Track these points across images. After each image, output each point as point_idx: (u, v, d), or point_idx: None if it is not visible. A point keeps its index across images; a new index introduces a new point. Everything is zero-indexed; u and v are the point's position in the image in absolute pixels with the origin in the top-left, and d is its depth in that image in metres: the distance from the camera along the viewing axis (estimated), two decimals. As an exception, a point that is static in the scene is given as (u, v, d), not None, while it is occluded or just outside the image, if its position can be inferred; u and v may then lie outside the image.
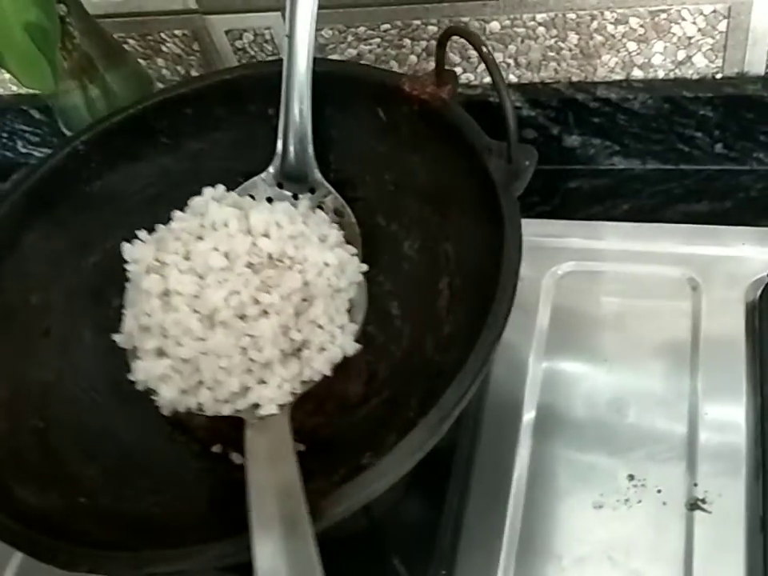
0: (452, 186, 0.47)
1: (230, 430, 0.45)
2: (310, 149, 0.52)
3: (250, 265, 0.46)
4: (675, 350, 0.51)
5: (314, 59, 0.50)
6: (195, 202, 0.50)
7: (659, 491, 0.45)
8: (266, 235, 0.47)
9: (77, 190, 0.52)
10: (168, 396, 0.44)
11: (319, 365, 0.45)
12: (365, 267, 0.49)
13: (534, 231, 0.55)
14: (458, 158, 0.46)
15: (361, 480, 0.34)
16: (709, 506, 0.44)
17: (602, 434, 0.48)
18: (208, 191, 0.50)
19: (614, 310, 0.54)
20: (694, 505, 0.44)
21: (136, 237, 0.49)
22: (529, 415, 0.50)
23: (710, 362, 0.50)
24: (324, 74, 0.50)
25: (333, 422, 0.48)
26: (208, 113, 0.53)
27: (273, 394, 0.43)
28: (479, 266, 0.44)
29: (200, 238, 0.47)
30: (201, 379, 0.44)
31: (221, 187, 0.51)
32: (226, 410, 0.44)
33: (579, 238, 0.58)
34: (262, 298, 0.45)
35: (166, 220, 0.53)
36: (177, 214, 0.50)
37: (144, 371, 0.45)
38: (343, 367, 0.46)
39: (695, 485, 0.45)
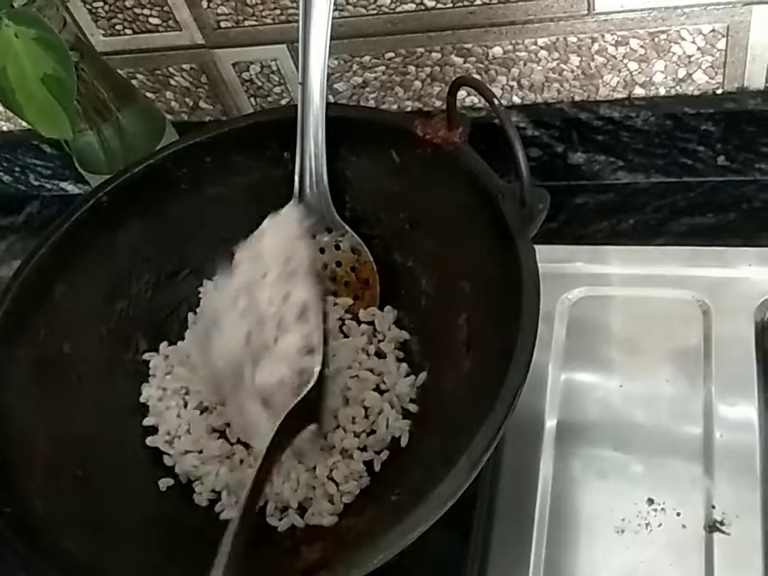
0: (466, 225, 0.49)
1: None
2: (326, 190, 0.53)
3: None
4: (688, 372, 0.52)
5: (328, 104, 0.51)
6: None
7: (678, 514, 0.47)
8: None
9: (102, 240, 0.54)
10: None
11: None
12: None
13: (544, 257, 0.55)
14: (471, 199, 0.47)
15: (398, 531, 0.36)
16: (727, 527, 0.46)
17: (620, 456, 0.50)
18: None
19: (627, 334, 0.55)
20: (712, 527, 0.46)
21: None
22: (549, 436, 0.52)
23: (722, 382, 0.51)
24: (338, 118, 0.52)
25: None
26: (226, 159, 0.55)
27: None
28: (497, 303, 0.45)
29: None
30: None
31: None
32: None
33: (589, 263, 0.59)
34: None
35: (190, 263, 0.54)
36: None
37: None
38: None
39: (713, 507, 0.46)
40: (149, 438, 0.51)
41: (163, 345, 0.55)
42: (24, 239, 0.81)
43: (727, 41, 0.57)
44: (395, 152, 0.52)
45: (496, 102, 0.42)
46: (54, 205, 0.84)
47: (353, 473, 0.48)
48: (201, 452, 0.50)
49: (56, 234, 0.51)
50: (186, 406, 0.52)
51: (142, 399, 0.53)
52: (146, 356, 0.55)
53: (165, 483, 0.50)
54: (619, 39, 0.59)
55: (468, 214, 0.48)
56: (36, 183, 0.84)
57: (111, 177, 0.54)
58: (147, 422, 0.52)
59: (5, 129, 0.81)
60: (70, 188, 0.84)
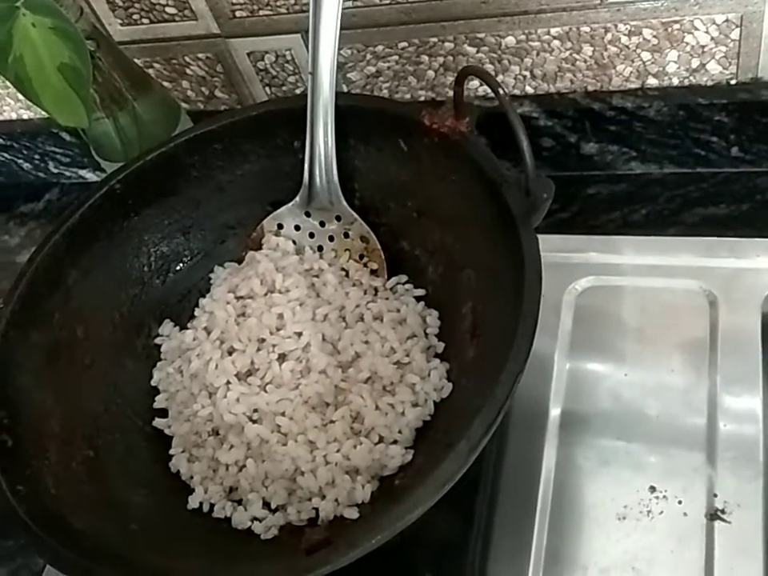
0: (472, 214, 0.49)
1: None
2: (335, 178, 0.54)
3: None
4: (693, 362, 0.52)
5: (338, 93, 0.52)
6: None
7: (680, 502, 0.47)
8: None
9: (115, 226, 0.55)
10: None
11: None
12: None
13: (553, 246, 0.56)
14: (477, 189, 0.48)
15: (397, 512, 0.36)
16: (728, 516, 0.46)
17: (623, 444, 0.50)
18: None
19: (633, 324, 0.55)
20: (714, 515, 0.46)
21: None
22: (553, 424, 0.52)
23: (727, 372, 0.51)
24: (347, 108, 0.52)
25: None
26: (236, 147, 0.56)
27: None
28: (500, 292, 0.46)
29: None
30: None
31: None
32: None
33: (597, 253, 0.59)
34: None
35: (201, 249, 0.55)
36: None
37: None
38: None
39: (715, 495, 0.47)
40: (155, 419, 0.52)
41: (175, 329, 0.56)
42: (43, 226, 0.82)
43: (741, 31, 0.57)
44: (403, 141, 0.52)
45: (501, 91, 0.42)
46: (73, 192, 0.85)
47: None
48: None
49: (70, 220, 0.52)
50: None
51: (153, 382, 0.54)
52: (157, 340, 0.56)
53: (174, 465, 0.50)
54: (632, 29, 0.59)
55: (474, 202, 0.48)
56: (55, 171, 0.85)
57: (124, 164, 0.55)
58: (157, 404, 0.53)
59: (25, 117, 0.82)
60: (89, 175, 0.85)
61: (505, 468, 0.50)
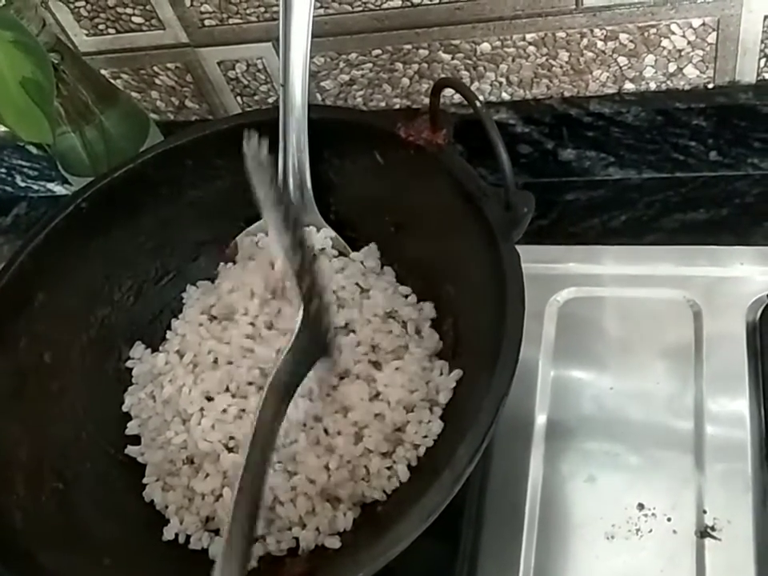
0: (451, 228, 0.48)
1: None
2: (309, 193, 0.53)
3: None
4: (679, 372, 0.51)
5: (311, 106, 0.50)
6: None
7: (669, 519, 0.46)
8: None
9: (82, 246, 0.53)
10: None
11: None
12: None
13: (533, 257, 0.54)
14: (456, 202, 0.46)
15: (380, 547, 0.35)
16: (718, 533, 0.45)
17: (610, 460, 0.49)
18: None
19: (617, 335, 0.54)
20: (704, 532, 0.45)
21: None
22: (539, 436, 0.51)
23: (713, 382, 0.50)
24: (321, 120, 0.51)
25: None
26: (207, 162, 0.54)
27: None
28: (482, 309, 0.44)
29: None
30: None
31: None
32: None
33: (579, 263, 0.58)
34: None
35: (172, 268, 0.53)
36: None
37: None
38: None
39: (704, 512, 0.46)
40: (128, 447, 0.51)
41: (146, 352, 0.54)
42: (11, 241, 0.80)
43: (718, 34, 0.56)
44: (379, 154, 0.51)
45: (478, 103, 0.41)
46: (41, 206, 0.83)
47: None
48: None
49: (35, 240, 0.50)
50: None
51: (124, 408, 0.52)
52: (128, 363, 0.54)
53: (148, 495, 0.49)
54: (608, 34, 0.58)
55: (453, 216, 0.47)
56: (23, 184, 0.83)
57: (91, 182, 0.53)
58: (129, 431, 0.52)
59: (-11, 130, 0.80)
60: (57, 189, 0.83)
61: (490, 486, 0.49)
